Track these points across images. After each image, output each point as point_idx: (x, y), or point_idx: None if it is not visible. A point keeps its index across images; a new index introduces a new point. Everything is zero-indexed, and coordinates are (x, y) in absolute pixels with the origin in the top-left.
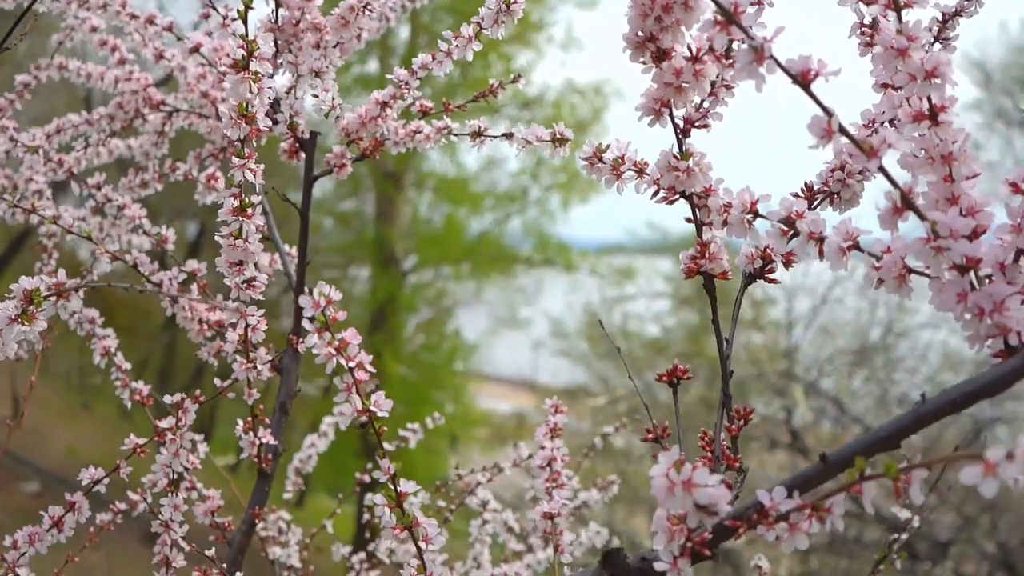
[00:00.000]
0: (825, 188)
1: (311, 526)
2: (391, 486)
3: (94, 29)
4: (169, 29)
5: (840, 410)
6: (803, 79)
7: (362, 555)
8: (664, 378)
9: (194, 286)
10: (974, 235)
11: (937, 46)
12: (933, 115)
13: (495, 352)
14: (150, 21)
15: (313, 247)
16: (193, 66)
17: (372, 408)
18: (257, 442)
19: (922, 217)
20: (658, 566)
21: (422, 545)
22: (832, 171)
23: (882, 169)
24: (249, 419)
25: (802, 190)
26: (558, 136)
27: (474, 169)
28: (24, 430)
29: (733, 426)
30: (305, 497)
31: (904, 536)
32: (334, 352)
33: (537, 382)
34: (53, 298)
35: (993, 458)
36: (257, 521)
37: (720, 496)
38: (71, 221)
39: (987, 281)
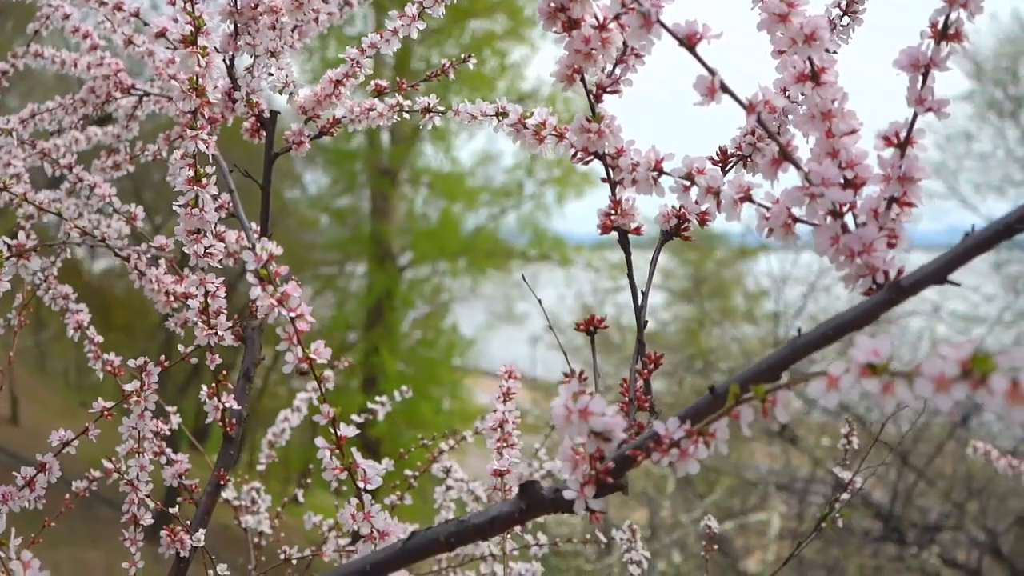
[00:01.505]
0: (738, 151)
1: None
2: (331, 430)
3: (67, 16)
4: (136, 15)
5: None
6: (689, 42)
7: (331, 521)
8: (582, 327)
9: (162, 260)
10: (853, 186)
11: (846, 19)
12: (815, 75)
13: (492, 347)
14: (118, 7)
15: (309, 244)
16: (161, 51)
17: (312, 356)
18: (221, 407)
19: (799, 168)
20: (566, 494)
21: (360, 484)
22: (744, 135)
23: (760, 123)
24: (213, 385)
25: (717, 153)
26: (501, 111)
27: (469, 165)
28: (22, 429)
29: (645, 370)
30: (305, 495)
31: (846, 496)
32: (276, 303)
33: (534, 376)
34: (14, 259)
35: (835, 373)
36: (222, 483)
37: (614, 424)
38: (43, 200)
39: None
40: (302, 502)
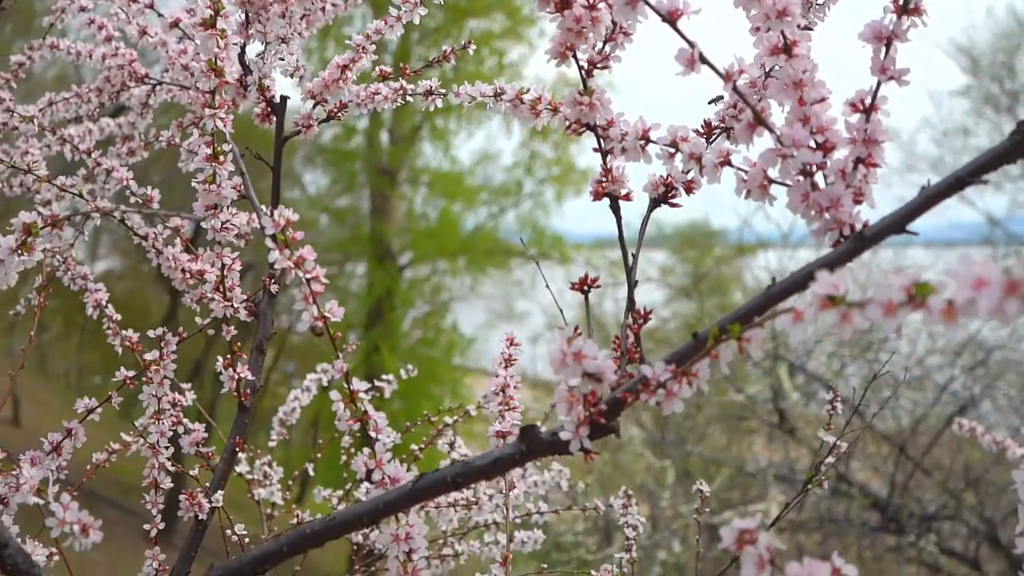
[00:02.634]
0: (722, 123)
1: None
2: (345, 384)
3: (83, 9)
4: (150, 6)
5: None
6: (671, 17)
7: (340, 493)
8: (576, 287)
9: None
10: (824, 149)
11: None
12: (787, 48)
13: (492, 346)
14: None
15: (310, 244)
16: (174, 40)
17: (327, 314)
18: (236, 377)
19: (772, 131)
20: (563, 435)
21: (372, 435)
22: (727, 108)
23: (736, 90)
24: (228, 356)
25: (702, 126)
26: (497, 91)
27: (468, 164)
28: (23, 430)
29: (635, 325)
30: (306, 494)
31: (832, 460)
32: (293, 266)
33: (535, 375)
34: (48, 228)
35: (800, 307)
36: (238, 450)
37: (605, 366)
38: (63, 182)
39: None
40: (312, 475)
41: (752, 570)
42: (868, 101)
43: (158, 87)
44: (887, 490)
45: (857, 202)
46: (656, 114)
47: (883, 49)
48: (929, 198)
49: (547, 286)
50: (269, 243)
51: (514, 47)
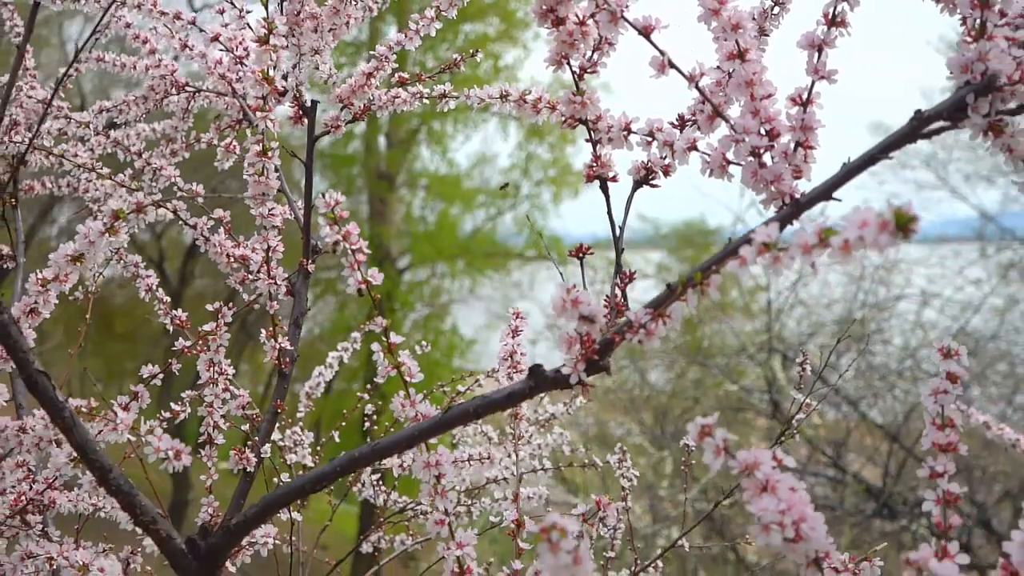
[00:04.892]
0: (692, 116)
1: (316, 526)
2: (384, 338)
3: (128, 25)
4: (193, 23)
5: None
6: (646, 31)
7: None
8: (572, 254)
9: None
10: (771, 135)
11: (776, 9)
12: (741, 54)
13: (492, 347)
14: (177, 17)
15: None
16: (212, 53)
17: (369, 279)
18: (277, 347)
19: (727, 121)
20: (564, 370)
21: (407, 379)
22: (696, 104)
23: (699, 89)
24: (271, 329)
25: (676, 119)
26: (503, 93)
27: (465, 167)
28: (27, 437)
29: (622, 283)
30: (308, 497)
31: (803, 416)
32: (341, 239)
33: None
34: (134, 214)
35: (744, 253)
36: (279, 412)
37: (597, 310)
38: (121, 179)
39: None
40: (338, 441)
41: (710, 456)
42: (805, 96)
43: (197, 94)
44: (881, 479)
45: (797, 177)
46: (649, 108)
47: (816, 54)
48: (849, 171)
49: (560, 274)
50: (321, 220)
51: (509, 50)
